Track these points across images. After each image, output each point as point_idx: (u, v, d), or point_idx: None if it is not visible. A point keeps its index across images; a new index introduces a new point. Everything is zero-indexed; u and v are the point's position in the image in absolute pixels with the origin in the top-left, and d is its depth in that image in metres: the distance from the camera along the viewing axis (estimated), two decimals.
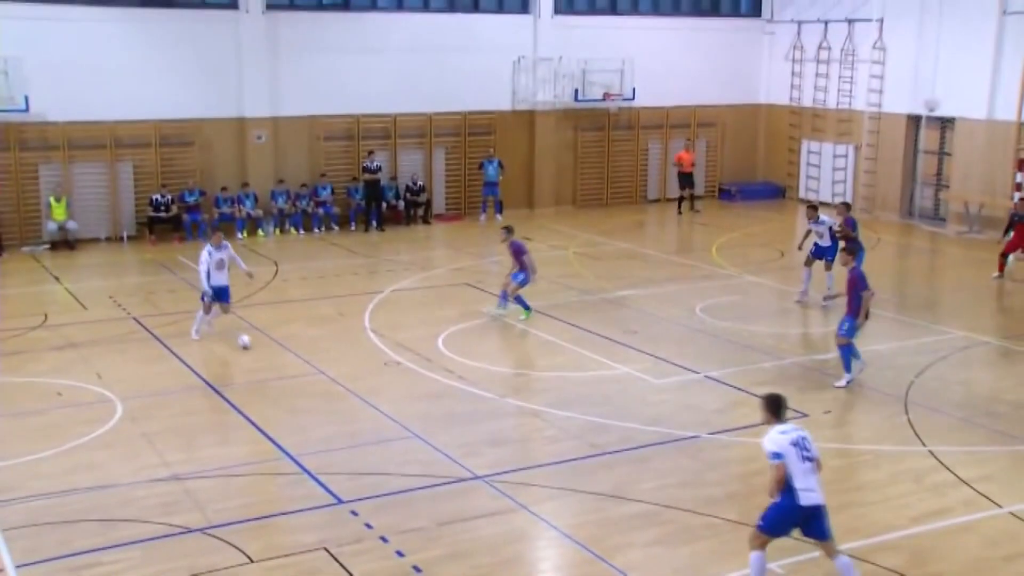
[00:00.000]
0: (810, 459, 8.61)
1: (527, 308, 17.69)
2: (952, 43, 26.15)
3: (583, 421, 13.06)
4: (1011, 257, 20.91)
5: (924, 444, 12.32)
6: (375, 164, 26.35)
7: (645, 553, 9.73)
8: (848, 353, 14.30)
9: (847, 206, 19.94)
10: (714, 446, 12.32)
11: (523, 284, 17.72)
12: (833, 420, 13.20)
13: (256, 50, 25.50)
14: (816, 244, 19.18)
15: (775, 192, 31.67)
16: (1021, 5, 24.61)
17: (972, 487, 11.09)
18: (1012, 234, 20.78)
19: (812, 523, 8.63)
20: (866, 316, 14.21)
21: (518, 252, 17.69)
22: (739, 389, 14.25)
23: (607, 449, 12.19)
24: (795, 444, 8.57)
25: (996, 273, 20.72)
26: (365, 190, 26.37)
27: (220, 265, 16.45)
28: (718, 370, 15.04)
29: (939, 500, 10.83)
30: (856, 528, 10.09)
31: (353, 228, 26.37)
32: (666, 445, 12.31)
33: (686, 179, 29.39)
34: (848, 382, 14.27)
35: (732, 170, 31.91)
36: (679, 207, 29.29)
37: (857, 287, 14.11)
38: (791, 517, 8.60)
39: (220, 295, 16.62)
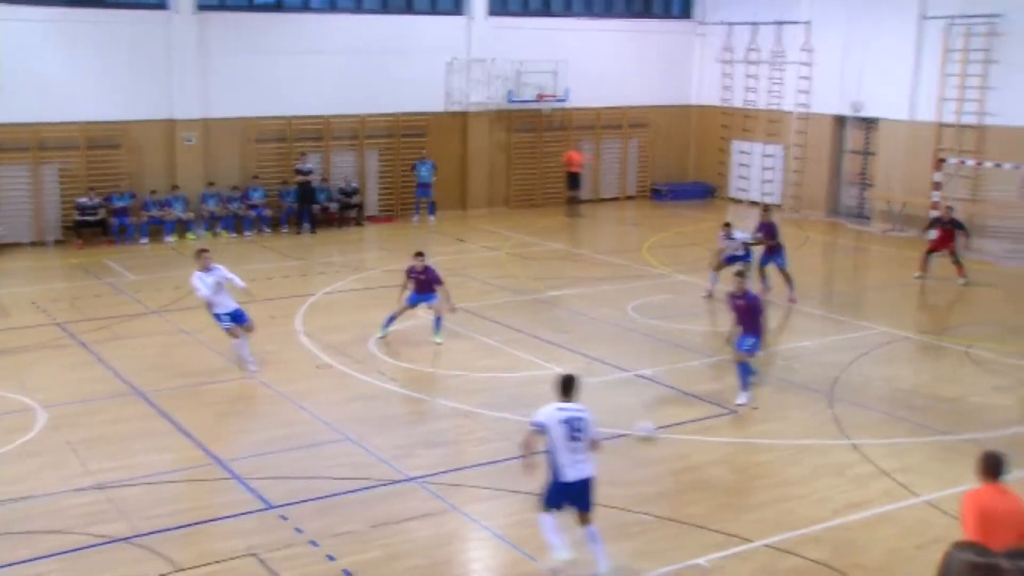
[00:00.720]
0: (579, 439, 9.07)
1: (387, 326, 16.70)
2: (876, 46, 26.73)
3: (515, 422, 13.07)
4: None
5: (848, 438, 12.58)
6: (307, 167, 26.16)
7: (578, 551, 9.77)
8: (746, 372, 13.70)
9: (766, 209, 20.25)
10: (640, 444, 12.37)
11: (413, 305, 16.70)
12: (761, 416, 13.40)
13: (186, 51, 25.15)
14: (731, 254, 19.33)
15: (705, 192, 32.08)
16: (940, 10, 25.23)
17: (892, 478, 11.36)
18: (936, 234, 21.23)
19: (578, 496, 9.18)
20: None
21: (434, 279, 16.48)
22: (670, 387, 14.41)
23: (539, 449, 12.21)
24: (566, 422, 9.05)
25: (918, 272, 21.18)
26: (297, 193, 26.17)
27: (218, 288, 14.79)
28: (649, 368, 15.19)
29: (861, 492, 11.07)
30: (782, 522, 10.26)
31: (285, 231, 26.15)
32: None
33: (574, 180, 29.53)
34: (748, 399, 13.68)
35: (664, 170, 32.27)
36: (576, 207, 29.28)
37: (755, 312, 13.64)
38: (558, 491, 9.18)
39: (237, 319, 15.06)
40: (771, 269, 19.48)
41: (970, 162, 24.18)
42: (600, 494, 10.91)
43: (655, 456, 12.10)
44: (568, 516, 9.34)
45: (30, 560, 9.51)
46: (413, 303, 16.60)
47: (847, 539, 10.00)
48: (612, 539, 10.04)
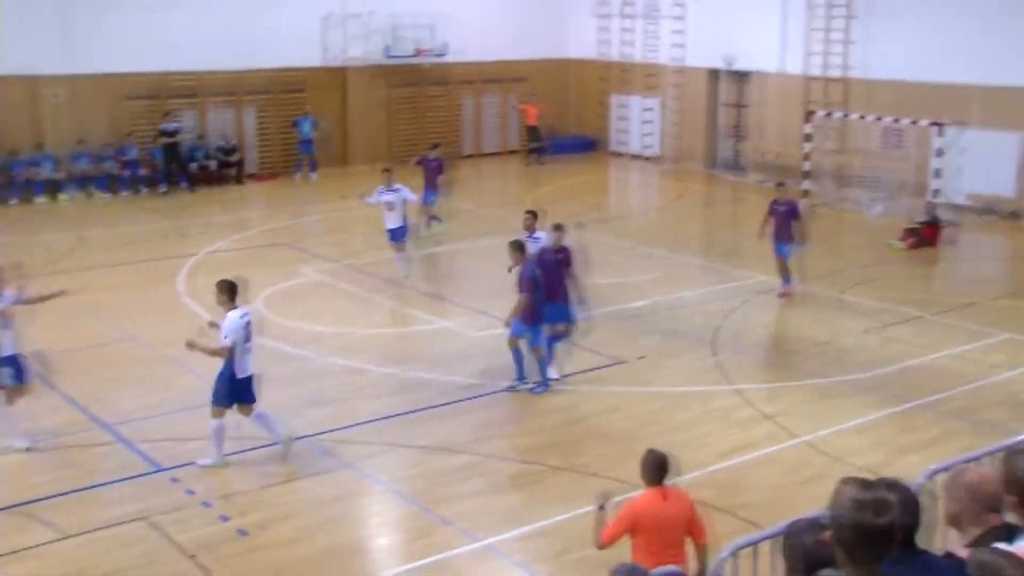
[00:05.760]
0: (249, 340, 10.33)
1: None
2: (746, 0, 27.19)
3: (405, 377, 13.08)
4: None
5: (731, 383, 12.94)
6: (172, 126, 25.28)
7: (471, 503, 9.87)
8: (520, 361, 12.56)
9: (780, 185, 17.01)
10: (532, 396, 12.54)
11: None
12: (647, 365, 13.66)
13: (44, 3, 23.96)
14: None
15: (587, 145, 32.28)
16: None
17: (774, 420, 11.75)
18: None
19: (244, 391, 10.43)
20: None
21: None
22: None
23: (429, 404, 12.26)
24: (246, 327, 10.28)
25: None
26: (164, 153, 25.32)
27: (5, 323, 10.79)
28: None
29: (745, 434, 11.42)
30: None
31: (164, 190, 25.34)
32: (485, 397, 12.47)
33: (533, 133, 29.77)
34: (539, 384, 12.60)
35: (544, 124, 32.30)
36: (538, 156, 29.85)
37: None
38: (232, 386, 10.32)
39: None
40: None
41: (837, 114, 24.94)
42: (491, 446, 11.07)
43: (543, 407, 12.25)
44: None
45: None
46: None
47: (733, 479, 10.33)
48: (506, 490, 10.16)
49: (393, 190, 17.19)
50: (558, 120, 32.53)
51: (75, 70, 24.50)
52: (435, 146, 21.67)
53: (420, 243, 19.88)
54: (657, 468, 7.15)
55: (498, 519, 9.54)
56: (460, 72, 30.22)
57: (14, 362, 10.82)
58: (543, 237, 13.28)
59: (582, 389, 12.72)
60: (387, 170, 17.54)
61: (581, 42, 32.12)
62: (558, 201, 24.65)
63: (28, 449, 10.78)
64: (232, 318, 10.21)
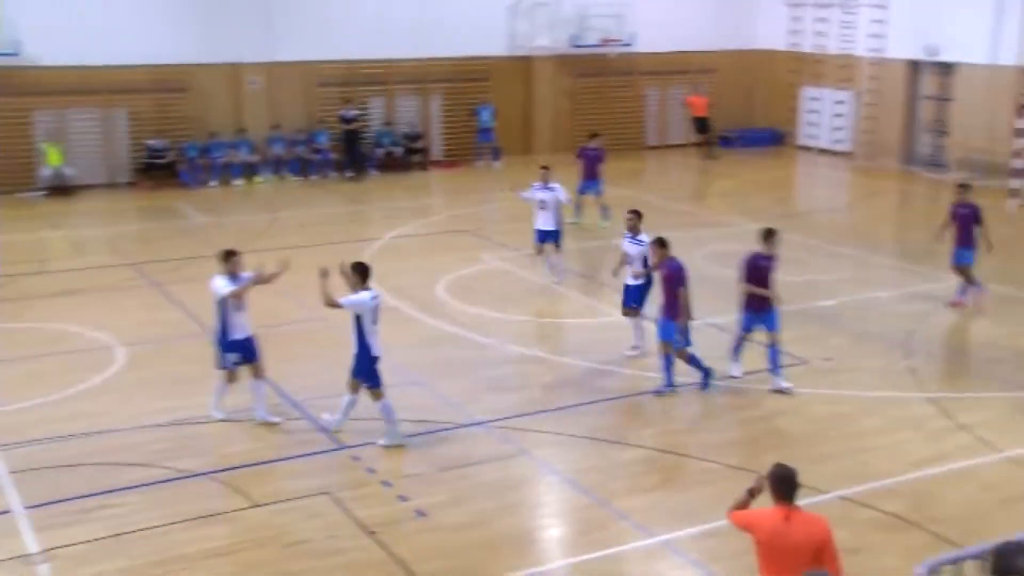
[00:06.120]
0: (376, 322, 10.69)
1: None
2: None
3: (584, 367, 13.07)
4: None
5: (924, 390, 12.35)
6: (351, 113, 25.99)
7: (647, 498, 9.78)
8: (668, 362, 12.18)
9: (963, 187, 15.73)
10: (714, 392, 12.33)
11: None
12: (834, 367, 13.20)
13: None
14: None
15: (774, 138, 31.45)
16: None
17: (971, 432, 11.14)
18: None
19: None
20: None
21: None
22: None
23: (608, 395, 12.21)
24: (374, 309, 10.63)
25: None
26: (343, 139, 26.05)
27: (239, 305, 11.22)
28: (719, 317, 15.01)
29: (939, 445, 10.87)
30: (857, 474, 10.12)
31: (351, 175, 26.16)
32: (665, 392, 12.31)
33: (701, 124, 29.27)
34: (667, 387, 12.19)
35: (730, 116, 31.63)
36: (709, 149, 29.34)
37: (674, 283, 12.06)
38: (373, 365, 10.67)
39: (244, 349, 11.29)
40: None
41: None
42: (669, 442, 10.93)
43: (724, 405, 12.01)
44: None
45: (112, 491, 9.74)
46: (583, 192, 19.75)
47: (925, 492, 9.85)
48: (682, 487, 10.01)
49: (549, 188, 16.58)
50: (743, 112, 31.81)
51: (273, 58, 25.62)
52: (594, 135, 21.41)
53: (603, 232, 19.83)
54: (779, 484, 6.52)
55: (675, 516, 9.42)
56: (645, 62, 29.94)
57: (244, 346, 11.19)
58: (645, 239, 13.07)
59: (764, 388, 12.39)
60: (545, 167, 16.97)
61: (771, 32, 31.25)
62: (742, 196, 24.16)
63: (225, 420, 11.36)
64: (362, 296, 10.53)
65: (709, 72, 30.96)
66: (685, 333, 12.28)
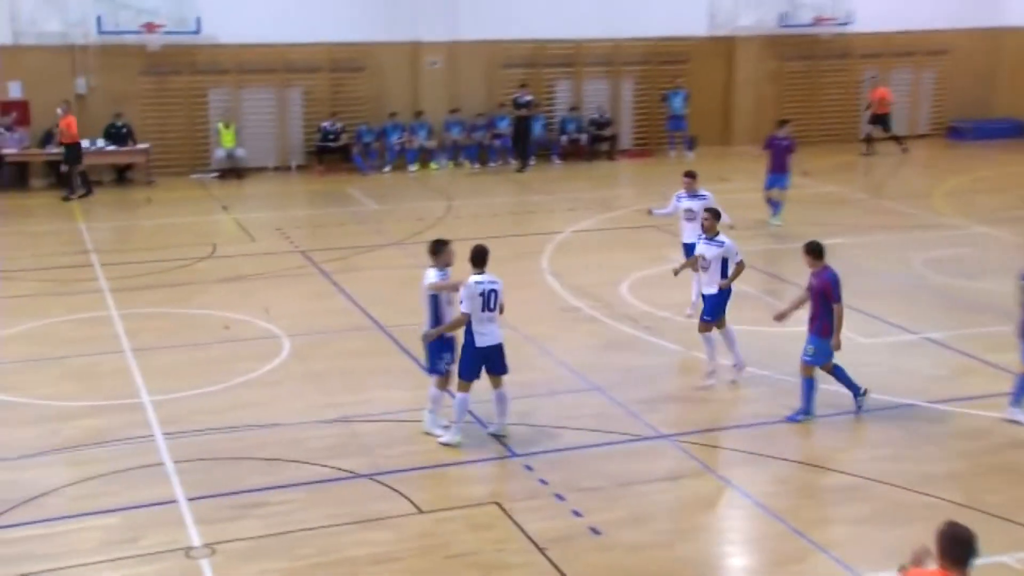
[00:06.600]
0: (492, 309, 10.68)
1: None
2: None
3: (779, 381, 12.76)
4: None
5: None
6: (525, 98, 26.04)
7: (850, 530, 9.47)
8: (809, 387, 11.71)
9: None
10: (932, 417, 11.82)
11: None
12: None
13: None
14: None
15: (1017, 130, 29.80)
16: None
17: None
18: None
19: (492, 360, 10.83)
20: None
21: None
22: (964, 354, 13.61)
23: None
24: (482, 294, 10.56)
25: None
26: (514, 126, 26.14)
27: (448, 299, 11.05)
28: (939, 332, 14.42)
29: None
30: None
31: (532, 163, 26.37)
32: (875, 413, 11.89)
33: (884, 121, 28.12)
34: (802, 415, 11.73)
35: (963, 105, 30.22)
36: (902, 146, 28.18)
37: (828, 296, 11.63)
38: (475, 357, 10.75)
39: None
40: None
41: None
42: (877, 469, 10.54)
43: (947, 432, 11.50)
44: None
45: (274, 487, 10.14)
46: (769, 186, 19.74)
47: None
48: (893, 522, 9.62)
49: (698, 196, 15.32)
50: (979, 100, 30.33)
51: (454, 36, 26.07)
52: (783, 123, 20.74)
53: (808, 234, 19.33)
54: (954, 546, 5.79)
55: (882, 552, 9.06)
56: (864, 43, 29.00)
57: (454, 346, 11.15)
58: (725, 241, 12.82)
59: (993, 415, 11.78)
60: (690, 174, 15.64)
61: (1021, 7, 29.55)
62: (976, 194, 23.10)
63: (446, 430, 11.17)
64: (469, 285, 10.61)
65: (938, 54, 29.71)
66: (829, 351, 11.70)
